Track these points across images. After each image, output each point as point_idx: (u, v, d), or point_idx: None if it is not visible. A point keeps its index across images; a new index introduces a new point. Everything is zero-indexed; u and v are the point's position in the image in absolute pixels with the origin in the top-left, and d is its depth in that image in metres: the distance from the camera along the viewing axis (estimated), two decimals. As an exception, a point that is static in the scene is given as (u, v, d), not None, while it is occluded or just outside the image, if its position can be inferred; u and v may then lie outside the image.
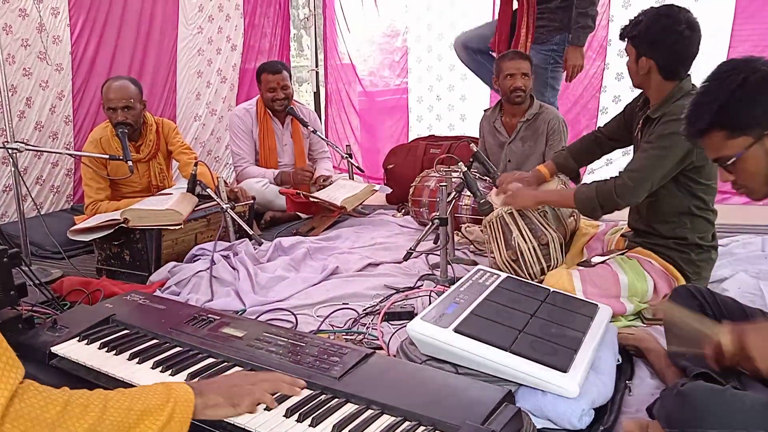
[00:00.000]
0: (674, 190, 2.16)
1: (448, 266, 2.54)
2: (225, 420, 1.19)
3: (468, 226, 3.17)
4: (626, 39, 2.18)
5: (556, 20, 3.50)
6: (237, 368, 1.45)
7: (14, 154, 2.75)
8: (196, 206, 2.98)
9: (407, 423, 1.19)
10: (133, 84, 3.20)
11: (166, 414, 1.02)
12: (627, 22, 2.18)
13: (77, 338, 1.62)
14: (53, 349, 1.57)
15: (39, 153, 3.67)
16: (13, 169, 2.80)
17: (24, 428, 0.86)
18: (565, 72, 3.53)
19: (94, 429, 0.93)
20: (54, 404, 0.91)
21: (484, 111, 3.67)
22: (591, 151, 2.60)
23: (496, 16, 3.78)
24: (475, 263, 2.70)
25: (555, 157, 2.67)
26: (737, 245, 2.81)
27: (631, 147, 2.44)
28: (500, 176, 2.69)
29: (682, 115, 2.02)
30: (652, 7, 2.15)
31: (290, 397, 1.28)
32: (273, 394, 1.25)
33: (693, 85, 2.16)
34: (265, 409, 1.23)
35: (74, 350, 1.56)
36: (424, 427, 1.17)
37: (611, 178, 2.18)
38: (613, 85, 4.58)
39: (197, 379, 1.39)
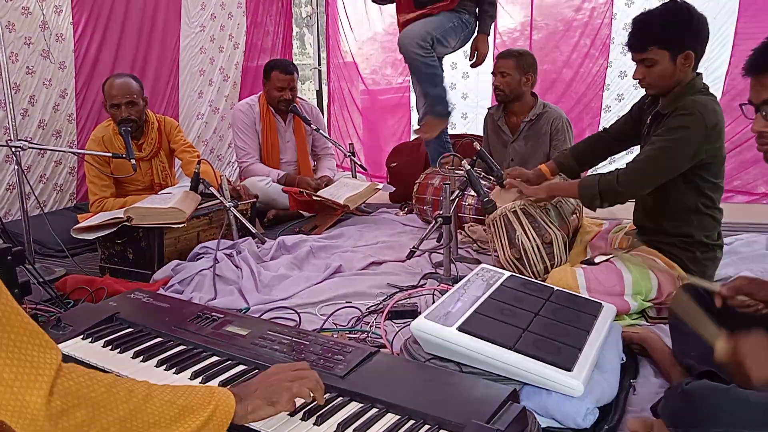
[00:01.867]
0: (682, 187, 2.14)
1: (452, 265, 2.53)
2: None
3: (471, 225, 3.16)
4: (649, 48, 2.07)
5: None
6: (241, 366, 1.44)
7: (18, 153, 2.75)
8: (199, 204, 2.98)
9: (412, 421, 1.19)
10: (135, 80, 3.23)
11: (207, 415, 1.01)
12: (635, 33, 2.10)
13: (81, 336, 1.62)
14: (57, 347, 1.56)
15: (42, 151, 3.67)
16: (16, 167, 2.79)
17: (71, 404, 0.88)
18: (475, 60, 3.56)
19: (135, 414, 0.94)
20: (100, 384, 0.93)
21: (488, 109, 3.68)
22: (595, 152, 2.58)
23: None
24: (479, 262, 2.70)
25: (557, 157, 2.67)
26: (741, 244, 2.81)
27: (637, 147, 2.43)
28: (509, 170, 2.69)
29: (693, 110, 2.02)
30: (662, 7, 2.08)
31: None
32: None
33: (704, 84, 2.15)
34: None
35: (78, 348, 1.56)
36: (429, 426, 1.17)
37: (616, 169, 2.17)
38: (615, 83, 4.57)
39: (201, 377, 1.39)
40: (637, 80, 2.18)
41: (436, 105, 3.47)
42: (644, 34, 2.10)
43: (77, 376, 0.91)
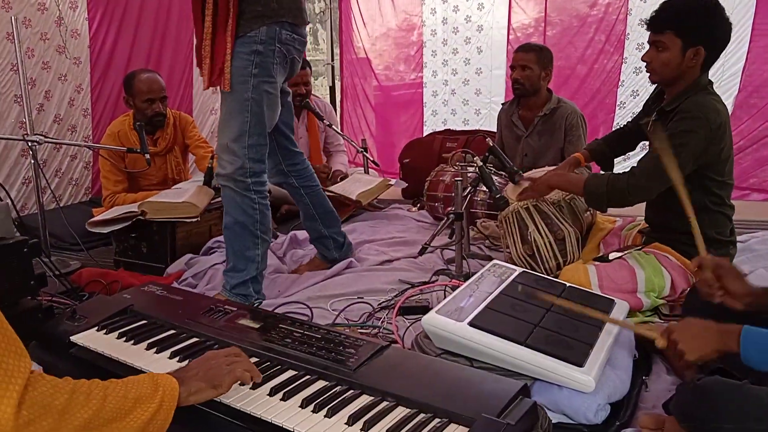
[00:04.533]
0: (688, 186, 2.12)
1: (464, 261, 2.53)
2: (242, 410, 1.21)
3: (483, 221, 3.16)
4: (665, 31, 2.05)
5: (259, 3, 2.17)
6: (254, 359, 1.45)
7: (34, 147, 2.78)
8: (213, 199, 3.00)
9: (422, 415, 1.19)
10: (159, 75, 3.33)
11: (157, 401, 1.08)
12: (658, 12, 2.07)
13: (96, 328, 1.63)
14: (73, 338, 1.58)
15: (58, 146, 3.71)
16: (32, 161, 2.83)
17: (37, 414, 0.90)
18: None
19: (97, 415, 0.98)
20: (61, 393, 0.95)
21: (502, 104, 3.66)
22: (623, 142, 2.57)
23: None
24: (491, 258, 2.69)
25: (589, 145, 2.66)
26: (757, 242, 2.78)
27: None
28: (530, 172, 2.66)
29: (697, 113, 2.01)
30: None
31: (306, 387, 1.30)
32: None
33: (710, 80, 2.13)
34: (281, 400, 1.24)
35: (93, 339, 1.58)
36: (440, 420, 1.17)
37: (624, 173, 2.15)
38: (630, 79, 4.53)
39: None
40: (645, 63, 2.16)
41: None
42: (666, 16, 2.07)
43: (41, 386, 0.93)
